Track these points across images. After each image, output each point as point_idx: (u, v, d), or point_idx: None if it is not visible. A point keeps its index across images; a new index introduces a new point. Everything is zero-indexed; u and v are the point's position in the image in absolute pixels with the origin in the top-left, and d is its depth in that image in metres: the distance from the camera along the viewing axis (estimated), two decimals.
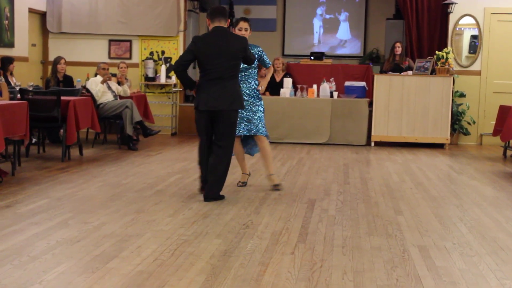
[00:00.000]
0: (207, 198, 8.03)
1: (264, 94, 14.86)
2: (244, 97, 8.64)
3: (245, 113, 8.80)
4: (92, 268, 5.30)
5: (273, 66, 15.29)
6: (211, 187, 8.05)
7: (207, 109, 7.94)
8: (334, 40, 18.94)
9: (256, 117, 8.94)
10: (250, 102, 8.87)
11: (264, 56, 9.19)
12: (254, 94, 8.95)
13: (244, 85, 8.84)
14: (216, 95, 7.91)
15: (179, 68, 8.08)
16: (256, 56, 8.93)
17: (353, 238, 6.51)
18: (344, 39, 19.03)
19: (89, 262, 5.47)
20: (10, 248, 5.91)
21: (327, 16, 18.99)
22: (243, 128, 8.88)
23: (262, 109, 9.07)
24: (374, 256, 5.87)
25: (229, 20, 8.47)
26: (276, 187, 8.98)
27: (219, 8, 8.55)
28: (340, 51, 18.69)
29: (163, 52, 16.54)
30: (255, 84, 9.01)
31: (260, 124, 8.98)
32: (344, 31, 18.99)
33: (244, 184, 9.24)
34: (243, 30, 8.87)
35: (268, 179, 9.16)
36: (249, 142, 9.32)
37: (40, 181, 9.39)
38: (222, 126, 8.01)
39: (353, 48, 18.90)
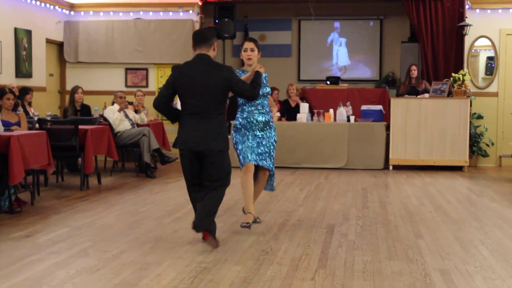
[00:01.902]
0: (197, 227, 6.98)
1: (280, 119, 14.92)
2: (258, 127, 7.96)
3: (260, 141, 7.98)
4: None
5: (287, 92, 15.38)
6: (200, 218, 6.96)
7: (185, 148, 7.04)
8: (349, 65, 18.93)
9: (267, 146, 8.07)
10: (265, 132, 8.04)
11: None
12: (269, 123, 8.11)
13: (259, 114, 7.99)
14: (195, 133, 6.95)
15: (159, 105, 7.14)
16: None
17: (374, 263, 6.47)
18: (343, 65, 19.02)
19: None
20: (30, 278, 5.91)
21: (342, 41, 19.00)
22: (254, 157, 7.97)
23: (274, 139, 8.23)
24: (396, 281, 5.83)
25: (214, 44, 7.21)
26: (246, 224, 7.65)
27: (202, 32, 7.37)
28: (356, 75, 18.66)
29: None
30: (268, 111, 8.16)
31: (268, 156, 8.10)
32: (343, 56, 19.00)
33: (248, 225, 7.67)
34: (248, 51, 8.10)
35: (245, 215, 7.92)
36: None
37: (59, 210, 9.40)
38: (207, 168, 7.08)
39: (368, 71, 18.89)
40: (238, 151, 8.03)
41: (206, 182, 7.12)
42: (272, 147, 8.13)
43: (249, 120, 7.99)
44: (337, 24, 18.98)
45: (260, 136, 8.03)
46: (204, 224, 6.96)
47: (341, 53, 19.02)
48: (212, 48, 7.15)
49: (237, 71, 7.77)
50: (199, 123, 6.96)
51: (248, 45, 8.15)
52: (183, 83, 7.01)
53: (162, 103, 7.15)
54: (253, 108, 8.02)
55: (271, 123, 8.19)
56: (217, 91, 7.00)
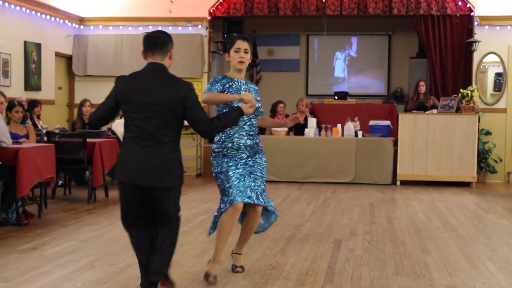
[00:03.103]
0: (153, 275, 5.59)
1: (288, 134, 14.92)
2: (246, 152, 6.35)
3: (252, 170, 6.37)
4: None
5: (297, 107, 15.37)
6: (156, 263, 5.60)
7: (124, 180, 5.55)
8: (358, 80, 18.94)
9: (261, 176, 6.49)
10: (256, 157, 6.48)
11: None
12: (259, 146, 6.54)
13: (247, 137, 6.39)
14: (139, 163, 5.42)
15: (94, 121, 5.72)
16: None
17: (381, 279, 6.45)
18: (351, 80, 19.03)
19: None
20: None
21: (350, 56, 19.02)
22: (249, 193, 6.28)
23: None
24: None
25: (171, 51, 5.69)
26: (236, 268, 6.63)
27: (155, 36, 5.73)
28: (364, 90, 18.67)
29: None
30: (257, 132, 6.55)
31: (261, 189, 6.43)
32: (351, 71, 19.01)
33: (211, 281, 6.12)
34: (241, 51, 6.38)
35: (234, 257, 6.76)
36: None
37: (66, 223, 9.41)
38: (154, 206, 5.64)
39: (376, 87, 18.88)
40: (223, 181, 6.33)
41: (158, 220, 5.67)
42: (265, 177, 6.56)
43: (233, 143, 6.34)
44: (345, 39, 19.00)
45: (250, 163, 6.40)
46: (165, 270, 5.64)
47: (349, 68, 19.03)
48: (168, 55, 5.64)
49: (217, 76, 6.46)
50: (145, 150, 5.41)
51: (242, 44, 6.39)
52: (127, 99, 5.46)
53: (96, 121, 5.70)
54: (237, 128, 6.32)
55: (261, 147, 6.60)
56: (170, 112, 5.41)
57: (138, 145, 5.42)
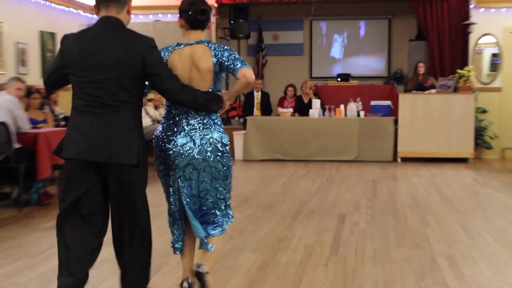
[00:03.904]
0: None
1: (293, 115, 14.93)
2: (195, 140, 4.48)
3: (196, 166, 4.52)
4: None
5: (301, 89, 15.38)
6: (133, 279, 4.50)
7: (72, 156, 4.22)
8: (359, 62, 18.90)
9: (215, 184, 4.60)
10: (209, 151, 4.51)
11: (233, 60, 4.48)
12: (216, 133, 4.57)
13: (195, 117, 4.53)
14: (89, 135, 4.17)
15: (47, 85, 4.58)
16: (221, 62, 4.50)
17: (383, 250, 6.50)
18: (344, 59, 19.01)
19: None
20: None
21: (352, 39, 18.98)
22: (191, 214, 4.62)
23: (230, 169, 4.72)
24: (404, 267, 5.86)
25: (129, 5, 4.43)
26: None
27: None
28: (366, 72, 18.64)
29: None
30: (218, 129, 4.60)
31: (218, 206, 4.68)
32: (354, 54, 18.97)
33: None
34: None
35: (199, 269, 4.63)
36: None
37: None
38: (115, 193, 4.31)
39: (377, 68, 18.84)
40: (162, 184, 4.88)
41: (120, 221, 4.43)
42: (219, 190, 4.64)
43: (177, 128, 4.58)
44: (347, 23, 18.95)
45: (200, 166, 4.52)
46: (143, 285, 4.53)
47: (351, 51, 19.00)
48: (125, 9, 4.39)
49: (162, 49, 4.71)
50: (98, 119, 4.17)
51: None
52: (74, 60, 4.21)
53: (48, 85, 4.55)
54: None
55: (223, 145, 4.60)
56: (126, 72, 4.17)
57: (89, 113, 4.16)
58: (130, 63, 4.16)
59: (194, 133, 4.46)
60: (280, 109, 15.25)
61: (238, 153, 14.96)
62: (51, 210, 8.79)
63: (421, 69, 15.13)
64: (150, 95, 14.39)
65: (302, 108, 15.27)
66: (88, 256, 4.44)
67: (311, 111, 14.95)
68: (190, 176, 4.50)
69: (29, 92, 10.24)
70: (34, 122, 9.82)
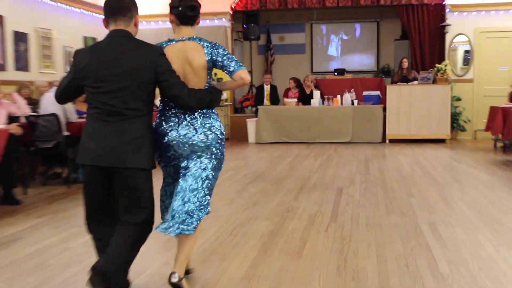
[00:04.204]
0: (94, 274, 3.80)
1: (297, 104, 14.93)
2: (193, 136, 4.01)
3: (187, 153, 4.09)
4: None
5: (304, 82, 15.37)
6: (108, 277, 3.78)
7: (87, 162, 3.86)
8: (352, 59, 18.85)
9: (198, 167, 4.10)
10: (211, 138, 4.05)
11: (227, 60, 4.05)
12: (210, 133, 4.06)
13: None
14: (103, 142, 3.79)
15: (59, 101, 4.16)
16: (214, 60, 4.06)
17: (375, 217, 6.49)
18: (347, 59, 18.94)
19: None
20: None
21: (347, 39, 18.92)
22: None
23: (213, 162, 4.14)
24: (392, 231, 5.85)
25: (136, 18, 4.05)
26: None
27: (116, 0, 4.02)
28: (358, 67, 18.59)
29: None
30: (216, 117, 4.15)
31: (196, 194, 4.06)
32: (347, 52, 18.90)
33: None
34: None
35: (172, 280, 4.00)
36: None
37: None
38: (120, 194, 3.90)
39: (368, 64, 18.79)
40: (215, 179, 4.24)
41: (122, 216, 3.94)
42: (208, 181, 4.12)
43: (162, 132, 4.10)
44: (342, 26, 18.89)
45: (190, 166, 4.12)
46: (114, 283, 3.82)
47: (346, 49, 18.94)
48: (133, 22, 4.03)
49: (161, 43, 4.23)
50: (110, 127, 3.80)
51: None
52: (88, 73, 3.83)
53: (61, 100, 4.15)
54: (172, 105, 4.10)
55: (222, 133, 4.16)
56: (138, 81, 3.82)
57: (103, 121, 3.79)
58: (143, 72, 3.81)
59: (195, 122, 4.01)
60: (286, 100, 15.29)
61: (251, 137, 15.01)
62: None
63: (405, 64, 15.15)
64: None
65: (304, 98, 15.29)
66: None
67: (312, 100, 14.96)
68: (194, 164, 4.04)
69: None
70: (80, 113, 9.82)
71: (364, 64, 18.78)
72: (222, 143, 4.14)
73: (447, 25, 15.35)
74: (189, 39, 4.09)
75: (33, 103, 10.11)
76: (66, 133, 8.92)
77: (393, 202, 7.35)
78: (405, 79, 14.87)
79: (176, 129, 4.01)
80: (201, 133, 3.99)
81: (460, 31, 15.49)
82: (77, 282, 4.49)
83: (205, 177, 4.06)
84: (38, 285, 4.44)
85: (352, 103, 14.80)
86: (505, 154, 12.11)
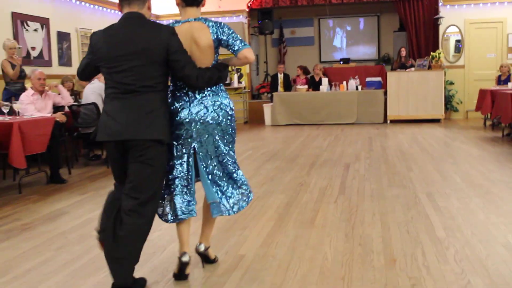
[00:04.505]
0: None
1: (308, 90, 14.89)
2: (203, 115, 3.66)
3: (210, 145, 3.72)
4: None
5: (313, 70, 15.33)
6: (118, 270, 3.48)
7: (106, 139, 3.52)
8: (356, 49, 18.73)
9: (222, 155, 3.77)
10: (221, 115, 3.71)
11: (232, 39, 3.71)
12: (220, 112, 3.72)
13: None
14: (119, 117, 3.46)
15: (80, 78, 3.87)
16: (220, 39, 3.73)
17: (378, 190, 6.46)
18: (345, 47, 18.82)
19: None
20: None
21: (351, 32, 18.79)
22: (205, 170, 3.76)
23: (226, 145, 3.79)
24: (394, 202, 5.82)
25: (149, 1, 3.68)
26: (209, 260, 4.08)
27: None
28: (361, 56, 18.48)
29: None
30: (225, 95, 3.80)
31: (235, 169, 3.84)
32: (352, 43, 18.76)
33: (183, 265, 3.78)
34: None
35: (199, 250, 3.99)
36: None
37: None
38: (131, 168, 3.51)
39: (370, 53, 18.66)
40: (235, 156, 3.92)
41: (125, 192, 3.52)
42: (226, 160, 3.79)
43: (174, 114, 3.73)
44: (347, 20, 18.76)
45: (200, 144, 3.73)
46: (124, 280, 3.51)
47: (350, 41, 18.82)
48: (146, 5, 3.67)
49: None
50: (125, 103, 3.47)
51: None
52: (103, 54, 3.52)
53: (82, 76, 3.82)
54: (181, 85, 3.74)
55: (231, 109, 3.80)
56: (150, 60, 3.47)
57: (119, 99, 3.48)
58: (154, 51, 3.45)
59: (206, 100, 3.66)
60: (298, 86, 15.25)
61: (267, 120, 15.00)
62: None
63: (403, 53, 15.05)
64: None
65: (314, 85, 15.25)
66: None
67: (321, 87, 14.92)
68: (207, 141, 3.68)
69: None
70: None
71: (367, 54, 18.66)
72: (232, 118, 3.79)
73: (440, 17, 15.20)
74: (195, 19, 3.74)
75: (75, 94, 10.15)
76: None
77: (394, 175, 7.30)
78: (403, 66, 14.77)
79: (188, 108, 3.66)
80: (212, 111, 3.66)
81: (452, 22, 15.34)
82: None
83: (223, 159, 3.75)
84: (82, 254, 4.46)
85: (357, 88, 14.72)
86: (493, 131, 12.00)
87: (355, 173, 7.54)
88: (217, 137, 3.69)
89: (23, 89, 8.95)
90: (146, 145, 3.45)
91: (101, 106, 8.87)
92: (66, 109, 8.92)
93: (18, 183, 7.23)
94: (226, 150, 3.74)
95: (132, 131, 3.43)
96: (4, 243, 4.84)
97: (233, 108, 3.81)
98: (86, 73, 3.77)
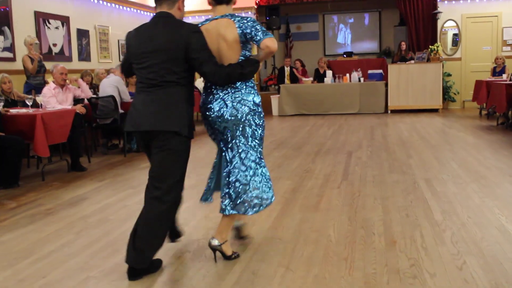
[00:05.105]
0: (131, 274, 3.50)
1: (313, 82, 14.85)
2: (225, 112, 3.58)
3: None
4: (204, 209, 5.36)
5: (318, 63, 15.27)
6: (137, 257, 3.47)
7: (130, 129, 3.58)
8: (359, 43, 18.65)
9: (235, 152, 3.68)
10: (241, 111, 3.57)
11: (255, 31, 3.51)
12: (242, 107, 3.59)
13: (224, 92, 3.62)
14: (142, 109, 3.50)
15: (122, 73, 3.89)
16: (245, 33, 3.54)
17: (380, 176, 6.45)
18: (348, 42, 18.74)
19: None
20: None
21: (354, 27, 18.71)
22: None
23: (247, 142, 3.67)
24: (394, 187, 5.81)
25: (179, 2, 3.63)
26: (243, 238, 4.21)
27: None
28: (363, 50, 18.40)
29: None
30: (249, 90, 3.63)
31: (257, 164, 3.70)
32: (355, 37, 18.67)
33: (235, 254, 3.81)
34: None
35: (239, 230, 4.21)
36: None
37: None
38: (154, 158, 3.53)
39: (372, 47, 18.58)
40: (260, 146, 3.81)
41: (149, 182, 3.57)
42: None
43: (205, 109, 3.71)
44: (350, 15, 18.68)
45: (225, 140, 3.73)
46: (142, 263, 3.52)
47: (353, 35, 18.74)
48: (176, 6, 3.61)
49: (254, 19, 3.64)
50: (149, 96, 3.49)
51: None
52: (133, 50, 3.57)
53: (125, 73, 3.84)
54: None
55: (255, 104, 3.64)
56: (172, 55, 3.43)
57: (145, 92, 3.51)
58: (175, 48, 3.41)
59: (226, 96, 3.57)
60: (304, 79, 15.21)
61: (275, 111, 14.98)
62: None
63: (403, 46, 14.98)
64: None
65: (319, 77, 15.20)
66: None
67: (325, 79, 14.85)
68: (229, 137, 3.64)
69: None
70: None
71: (369, 47, 18.59)
72: (256, 114, 3.63)
73: (439, 12, 15.09)
74: (222, 16, 3.66)
75: (94, 87, 10.17)
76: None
77: (394, 162, 7.28)
78: (404, 59, 14.70)
79: (211, 104, 3.62)
80: (231, 107, 3.56)
81: (450, 17, 15.24)
82: None
83: (244, 156, 3.65)
84: (101, 236, 4.48)
85: (359, 80, 14.65)
86: (488, 120, 11.93)
87: (357, 160, 7.52)
88: (237, 133, 3.61)
89: (44, 83, 8.98)
90: (166, 136, 3.43)
91: (118, 98, 8.89)
92: (86, 101, 8.94)
93: (42, 171, 7.28)
94: (246, 145, 3.64)
95: (151, 123, 3.43)
96: (28, 227, 4.87)
97: (259, 103, 3.66)
98: (125, 69, 3.81)
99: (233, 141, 3.64)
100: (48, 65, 9.25)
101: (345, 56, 16.59)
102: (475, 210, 4.78)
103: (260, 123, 3.67)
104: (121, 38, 13.63)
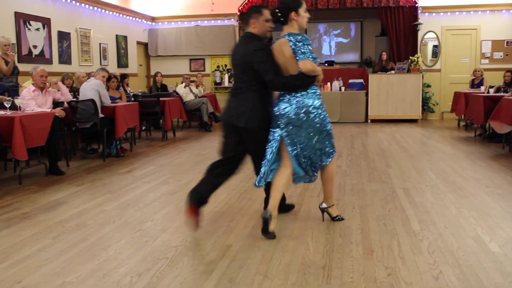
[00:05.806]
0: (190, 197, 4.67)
1: None
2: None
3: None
4: (183, 216, 5.34)
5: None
6: (198, 186, 4.80)
7: (221, 121, 4.75)
8: (340, 52, 18.74)
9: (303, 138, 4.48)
10: (302, 112, 4.40)
11: (298, 48, 4.28)
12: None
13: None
14: (227, 107, 4.63)
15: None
16: (295, 51, 4.29)
17: (359, 184, 6.49)
18: (329, 51, 18.83)
19: (183, 206, 5.52)
20: (132, 198, 6.00)
21: (336, 36, 18.81)
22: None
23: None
24: (373, 196, 5.85)
25: (251, 21, 4.61)
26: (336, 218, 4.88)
27: (247, 11, 4.94)
28: (345, 59, 18.49)
29: (225, 65, 16.63)
30: (310, 96, 4.48)
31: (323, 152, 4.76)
32: (336, 47, 18.79)
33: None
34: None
35: (321, 206, 4.92)
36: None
37: (148, 154, 9.50)
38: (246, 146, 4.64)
39: (353, 57, 18.69)
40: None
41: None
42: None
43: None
44: (332, 25, 18.76)
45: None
46: (197, 196, 4.71)
47: (335, 45, 18.82)
48: (250, 25, 4.60)
49: (306, 37, 4.38)
50: (233, 98, 4.58)
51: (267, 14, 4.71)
52: (231, 61, 4.72)
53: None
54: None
55: (314, 107, 4.50)
56: (242, 67, 4.48)
57: (232, 95, 4.61)
58: (243, 63, 4.46)
59: (292, 99, 4.38)
60: None
61: None
62: (125, 160, 8.84)
63: (384, 56, 15.13)
64: (192, 78, 14.34)
65: None
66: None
67: None
68: (290, 131, 4.38)
69: (109, 77, 10.22)
70: (112, 99, 9.80)
71: (350, 57, 18.67)
72: (316, 115, 4.45)
73: (419, 23, 15.26)
74: (283, 36, 4.42)
75: (74, 90, 10.12)
76: (101, 115, 8.90)
77: (374, 171, 7.33)
78: (384, 69, 14.83)
79: (279, 104, 4.42)
80: (295, 108, 4.36)
81: (430, 28, 15.42)
82: (111, 238, 4.49)
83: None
84: (79, 241, 4.45)
85: (340, 89, 14.74)
86: (466, 132, 12.07)
87: (337, 169, 7.54)
88: (300, 130, 4.38)
89: (17, 85, 8.91)
90: (242, 130, 4.48)
91: (98, 102, 8.83)
92: (65, 104, 8.87)
93: (19, 174, 7.20)
94: (306, 140, 4.43)
95: (228, 118, 4.55)
96: (4, 231, 4.82)
97: (318, 106, 4.46)
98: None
99: (295, 135, 4.40)
100: (28, 67, 9.17)
101: (326, 65, 16.63)
102: (452, 220, 4.83)
103: (320, 123, 4.49)
104: (103, 42, 13.57)
